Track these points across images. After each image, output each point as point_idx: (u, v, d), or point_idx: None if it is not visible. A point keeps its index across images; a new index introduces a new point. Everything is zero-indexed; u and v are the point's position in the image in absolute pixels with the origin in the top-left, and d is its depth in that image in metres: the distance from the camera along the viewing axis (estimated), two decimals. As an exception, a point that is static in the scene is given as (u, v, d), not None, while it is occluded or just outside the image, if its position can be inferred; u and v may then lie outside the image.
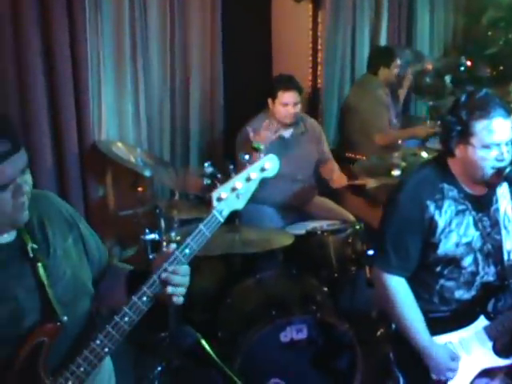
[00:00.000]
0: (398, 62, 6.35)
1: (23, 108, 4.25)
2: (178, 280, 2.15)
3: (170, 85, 5.36)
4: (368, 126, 6.01)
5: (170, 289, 2.13)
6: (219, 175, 2.27)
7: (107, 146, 4.65)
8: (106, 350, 2.09)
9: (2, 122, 2.00)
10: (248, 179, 2.30)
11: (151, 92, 5.19)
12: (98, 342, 2.08)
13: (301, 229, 4.69)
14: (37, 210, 2.16)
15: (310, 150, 5.31)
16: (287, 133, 5.16)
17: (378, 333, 4.31)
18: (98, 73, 4.68)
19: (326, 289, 4.33)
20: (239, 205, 2.31)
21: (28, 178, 2.04)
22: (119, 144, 4.74)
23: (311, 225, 4.80)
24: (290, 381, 3.92)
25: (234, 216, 5.05)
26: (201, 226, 2.22)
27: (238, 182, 2.28)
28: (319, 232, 4.60)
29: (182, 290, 2.18)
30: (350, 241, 4.59)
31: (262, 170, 2.34)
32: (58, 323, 2.06)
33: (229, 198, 2.27)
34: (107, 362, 2.35)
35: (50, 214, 2.23)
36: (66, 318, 2.07)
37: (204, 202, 4.93)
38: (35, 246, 2.11)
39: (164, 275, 2.13)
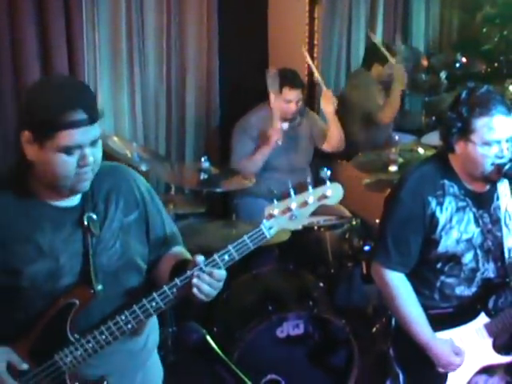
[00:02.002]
0: (394, 61, 6.33)
1: (19, 102, 4.22)
2: (208, 281, 2.20)
3: (166, 79, 5.34)
4: (361, 114, 6.05)
5: (195, 280, 2.18)
6: (274, 190, 2.28)
7: (103, 140, 4.56)
8: (129, 326, 2.22)
9: (89, 97, 2.18)
10: (305, 203, 2.28)
11: (147, 87, 5.18)
12: (123, 316, 2.21)
13: (297, 224, 4.67)
14: (108, 182, 2.32)
15: (306, 141, 5.37)
16: (285, 125, 5.18)
17: (374, 328, 4.33)
18: (95, 68, 4.68)
19: (322, 284, 4.34)
20: (291, 226, 2.31)
21: (97, 151, 2.17)
22: (115, 138, 4.71)
23: (308, 220, 4.76)
24: (287, 376, 3.93)
25: (230, 210, 5.06)
26: (245, 237, 2.25)
27: (293, 203, 2.25)
28: (316, 227, 4.60)
29: (211, 292, 2.22)
30: (346, 236, 4.59)
31: (323, 196, 2.30)
32: (92, 291, 2.21)
33: (281, 216, 2.25)
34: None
35: (121, 189, 2.35)
36: (100, 287, 2.22)
37: (200, 197, 4.93)
38: (93, 215, 2.25)
39: (197, 273, 2.19)
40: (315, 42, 6.27)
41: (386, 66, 6.24)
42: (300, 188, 2.33)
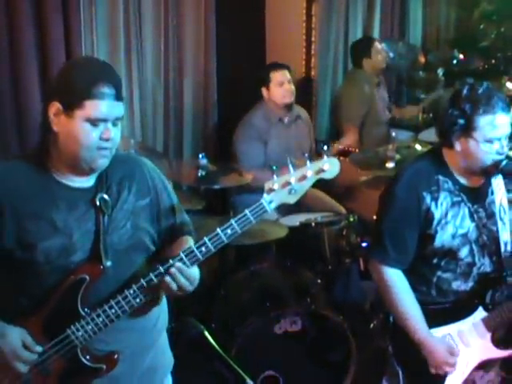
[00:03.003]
0: (378, 46, 6.32)
1: (18, 105, 4.22)
2: (181, 280, 2.33)
3: (164, 77, 5.34)
4: (357, 112, 6.07)
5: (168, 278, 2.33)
6: (274, 167, 2.36)
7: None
8: (138, 300, 2.34)
9: (117, 76, 2.34)
10: (303, 177, 2.35)
11: (145, 84, 5.18)
12: (131, 291, 2.33)
13: (295, 221, 4.68)
14: (122, 169, 2.46)
15: (304, 134, 5.44)
16: (286, 117, 5.23)
17: (372, 325, 4.33)
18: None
19: (319, 281, 4.34)
20: (290, 200, 2.37)
21: (117, 131, 2.32)
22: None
23: (305, 217, 4.79)
24: (285, 373, 3.94)
25: (228, 207, 5.06)
26: (246, 211, 2.32)
27: (292, 177, 2.33)
28: (313, 224, 4.60)
29: (175, 289, 2.34)
30: (344, 233, 4.59)
31: (320, 170, 2.37)
32: (101, 267, 2.32)
33: (280, 190, 2.33)
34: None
35: (134, 176, 2.49)
36: (109, 263, 2.33)
37: (198, 194, 4.93)
38: (106, 196, 2.38)
39: (173, 269, 2.31)
40: (312, 39, 6.31)
41: (372, 54, 6.24)
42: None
